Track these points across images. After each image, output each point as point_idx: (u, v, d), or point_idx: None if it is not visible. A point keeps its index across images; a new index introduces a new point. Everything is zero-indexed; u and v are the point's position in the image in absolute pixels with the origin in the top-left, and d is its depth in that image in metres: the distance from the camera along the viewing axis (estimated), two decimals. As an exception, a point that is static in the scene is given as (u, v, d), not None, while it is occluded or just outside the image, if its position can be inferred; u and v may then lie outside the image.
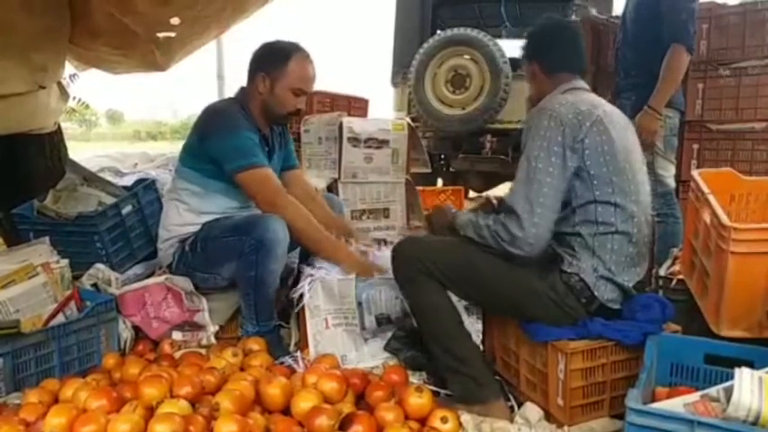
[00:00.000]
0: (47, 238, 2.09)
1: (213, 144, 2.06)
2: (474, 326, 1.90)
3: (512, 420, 1.62)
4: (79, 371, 1.87)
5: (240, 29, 3.40)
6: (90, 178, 2.61)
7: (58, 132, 3.23)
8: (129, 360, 1.86)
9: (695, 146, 3.28)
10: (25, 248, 2.02)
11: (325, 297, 1.98)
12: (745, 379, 1.11)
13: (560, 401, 1.59)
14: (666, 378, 1.50)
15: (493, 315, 1.91)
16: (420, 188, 3.23)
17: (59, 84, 3.07)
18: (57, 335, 1.83)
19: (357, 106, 4.05)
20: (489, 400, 1.65)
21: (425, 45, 4.82)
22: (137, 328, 2.10)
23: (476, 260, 1.67)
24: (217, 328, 2.12)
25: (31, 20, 2.60)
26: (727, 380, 1.20)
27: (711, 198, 1.58)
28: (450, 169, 5.37)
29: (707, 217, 1.58)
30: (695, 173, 1.76)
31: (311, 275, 2.00)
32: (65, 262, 2.03)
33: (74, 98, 4.48)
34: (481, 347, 1.88)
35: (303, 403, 1.56)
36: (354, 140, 2.76)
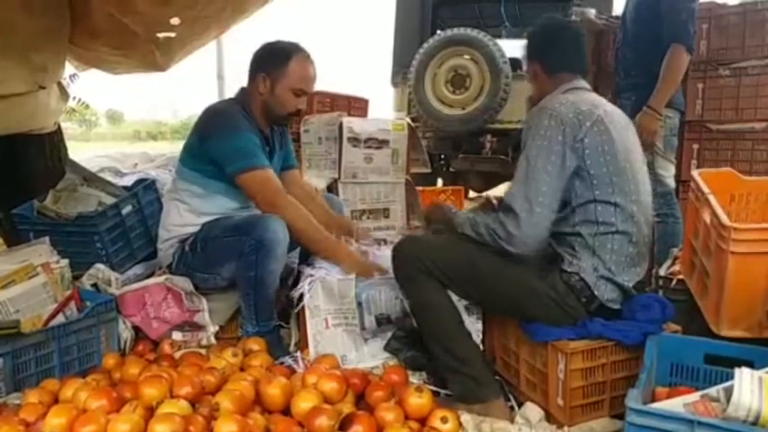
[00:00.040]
0: (47, 239, 2.09)
1: (214, 145, 2.06)
2: (474, 326, 1.89)
3: (512, 420, 1.62)
4: (79, 371, 1.87)
5: (240, 29, 3.40)
6: (90, 178, 2.61)
7: (58, 132, 3.23)
8: (129, 360, 1.86)
9: (695, 146, 3.28)
10: (25, 248, 2.02)
11: (325, 297, 1.98)
12: (745, 379, 1.11)
13: (560, 401, 1.59)
14: (666, 378, 1.50)
15: (493, 314, 1.91)
16: (420, 188, 3.23)
17: (59, 84, 3.07)
18: (57, 335, 1.83)
19: (357, 106, 4.04)
20: (489, 399, 1.65)
21: (425, 45, 4.82)
22: (137, 329, 2.10)
23: (476, 259, 1.67)
24: (217, 328, 2.12)
25: (31, 20, 2.60)
26: (727, 380, 1.20)
27: (711, 198, 1.58)
28: (450, 169, 5.37)
29: (707, 217, 1.58)
30: (695, 173, 1.76)
31: (311, 275, 2.00)
32: (65, 262, 2.03)
33: (74, 98, 4.48)
34: (481, 347, 1.88)
35: (303, 403, 1.56)
36: (354, 140, 2.76)
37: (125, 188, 2.62)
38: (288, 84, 2.09)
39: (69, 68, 3.46)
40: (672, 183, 2.80)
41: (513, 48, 5.08)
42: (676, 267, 2.08)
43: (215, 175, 2.10)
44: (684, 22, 2.57)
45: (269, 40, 2.19)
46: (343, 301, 1.98)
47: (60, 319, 1.88)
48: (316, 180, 2.84)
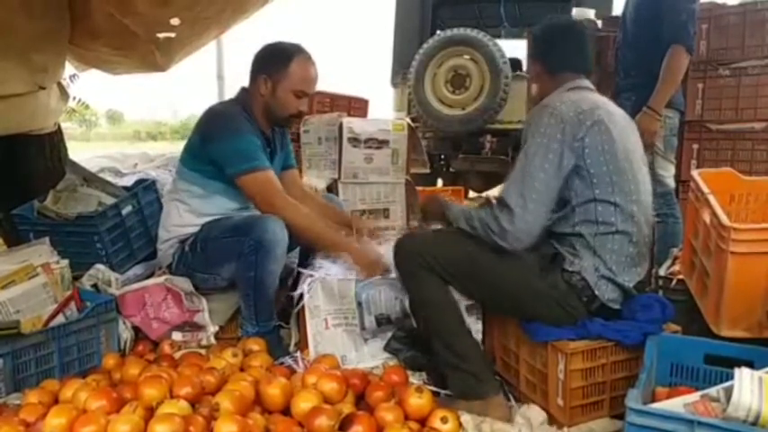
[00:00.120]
0: (47, 239, 2.09)
1: (215, 147, 2.06)
2: (474, 326, 1.89)
3: (512, 418, 1.62)
4: (79, 371, 1.88)
5: (240, 29, 3.41)
6: (90, 179, 2.62)
7: (58, 133, 3.23)
8: (129, 361, 1.86)
9: (695, 146, 3.27)
10: (25, 249, 2.02)
11: (325, 297, 1.98)
12: (745, 379, 1.11)
13: (560, 402, 1.59)
14: (666, 378, 1.50)
15: (494, 313, 1.91)
16: (420, 188, 3.23)
17: (59, 84, 3.07)
18: (57, 335, 1.83)
19: (357, 106, 4.05)
20: (489, 395, 1.65)
21: (425, 45, 4.81)
22: (137, 329, 2.10)
23: (477, 256, 1.67)
24: (216, 328, 2.12)
25: (31, 21, 2.60)
26: (727, 380, 1.20)
27: (711, 198, 1.58)
28: (450, 169, 5.36)
29: (707, 217, 1.58)
30: (695, 173, 1.76)
31: (311, 276, 2.00)
32: (65, 262, 2.03)
33: (74, 98, 4.48)
34: (481, 347, 1.88)
35: (303, 403, 1.56)
36: (354, 141, 2.76)
37: (125, 188, 2.62)
38: (289, 85, 2.09)
39: (69, 69, 3.46)
40: (672, 183, 2.80)
41: (513, 48, 5.09)
42: (676, 267, 2.08)
43: (215, 175, 2.10)
44: (684, 23, 2.57)
45: (270, 40, 2.19)
46: (343, 301, 1.98)
47: (60, 319, 1.88)
48: (316, 180, 2.84)
